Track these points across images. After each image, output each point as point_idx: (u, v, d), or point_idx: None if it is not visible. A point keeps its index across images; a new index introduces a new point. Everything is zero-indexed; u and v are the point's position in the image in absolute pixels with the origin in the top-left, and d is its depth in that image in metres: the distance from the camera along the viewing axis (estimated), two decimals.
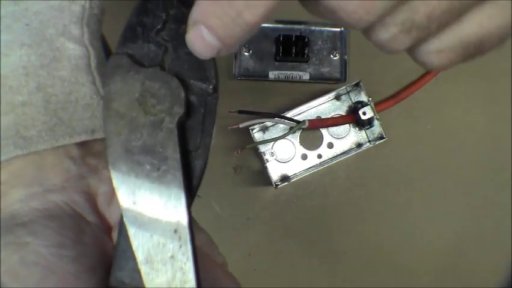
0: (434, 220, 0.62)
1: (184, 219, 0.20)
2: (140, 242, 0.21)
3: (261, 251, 0.61)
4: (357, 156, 0.59)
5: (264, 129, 0.60)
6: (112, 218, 0.26)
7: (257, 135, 0.59)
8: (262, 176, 0.61)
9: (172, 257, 0.20)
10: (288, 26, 0.60)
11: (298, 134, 0.60)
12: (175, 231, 0.20)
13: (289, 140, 0.60)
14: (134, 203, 0.21)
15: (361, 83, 0.58)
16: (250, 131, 0.58)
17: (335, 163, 0.60)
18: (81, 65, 0.27)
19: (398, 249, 0.61)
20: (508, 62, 0.62)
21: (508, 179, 0.62)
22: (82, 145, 0.27)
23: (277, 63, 0.60)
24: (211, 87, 0.21)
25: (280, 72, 0.60)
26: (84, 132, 0.26)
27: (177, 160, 0.20)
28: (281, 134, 0.58)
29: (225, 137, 0.59)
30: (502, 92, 0.63)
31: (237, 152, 0.57)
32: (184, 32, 0.20)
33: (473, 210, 0.62)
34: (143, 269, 0.21)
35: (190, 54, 0.20)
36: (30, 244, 0.22)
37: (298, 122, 0.56)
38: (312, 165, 0.60)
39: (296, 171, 0.60)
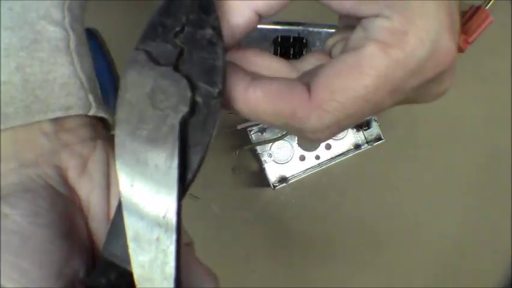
0: (434, 221, 0.62)
1: (173, 208, 0.22)
2: (131, 221, 0.23)
3: (260, 252, 0.61)
4: (355, 158, 0.59)
5: (262, 130, 0.59)
6: (82, 191, 0.28)
7: (255, 137, 0.59)
8: (260, 177, 0.60)
9: (157, 239, 0.22)
10: (286, 27, 0.60)
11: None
12: (164, 217, 0.22)
13: (287, 142, 0.60)
14: (131, 186, 0.23)
15: None
16: (248, 132, 0.58)
17: (333, 164, 0.60)
18: (60, 47, 0.29)
19: (398, 249, 0.61)
20: (508, 63, 0.62)
21: (508, 179, 0.62)
22: (56, 121, 0.28)
23: None
24: (216, 90, 0.23)
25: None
26: (59, 109, 0.28)
27: (175, 152, 0.22)
28: (279, 135, 0.58)
29: (223, 139, 0.59)
30: (502, 92, 0.62)
31: (235, 154, 0.57)
32: (201, 37, 0.23)
33: (473, 210, 0.62)
34: (131, 245, 0.23)
35: (202, 58, 0.23)
36: (9, 215, 0.25)
37: None
38: (310, 166, 0.60)
39: (294, 172, 0.59)
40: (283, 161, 0.59)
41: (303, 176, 0.59)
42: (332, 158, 0.60)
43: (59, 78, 0.29)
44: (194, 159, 0.23)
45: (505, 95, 0.62)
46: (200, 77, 0.23)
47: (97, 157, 0.28)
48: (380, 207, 0.62)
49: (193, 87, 0.23)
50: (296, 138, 0.60)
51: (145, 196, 0.23)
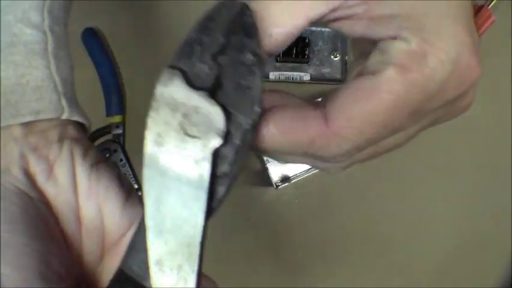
0: (435, 220, 0.62)
1: (198, 237, 0.22)
2: (155, 245, 0.23)
3: (262, 252, 0.61)
4: None
5: None
6: (49, 195, 0.28)
7: None
8: (262, 176, 0.60)
9: (179, 266, 0.22)
10: None
11: None
12: (188, 244, 0.22)
13: None
14: (158, 211, 0.23)
15: None
16: None
17: None
18: (37, 50, 0.29)
19: (399, 249, 0.61)
20: (508, 64, 0.62)
21: (509, 179, 0.62)
22: (26, 124, 0.28)
23: (277, 64, 0.60)
24: (251, 123, 0.22)
25: (280, 73, 0.60)
26: (29, 114, 0.28)
27: (205, 183, 0.22)
28: None
29: None
30: (502, 93, 0.63)
31: None
32: (239, 62, 0.22)
33: (474, 210, 0.62)
34: (153, 268, 0.23)
35: (239, 86, 0.22)
36: None
37: None
38: None
39: (297, 171, 0.59)
40: None
41: (306, 175, 0.59)
42: None
43: (32, 81, 0.29)
44: (220, 190, 0.22)
45: (505, 96, 0.63)
46: (235, 107, 0.22)
47: (62, 160, 0.28)
48: (382, 207, 0.62)
49: (228, 116, 0.22)
50: None
51: (171, 222, 0.22)
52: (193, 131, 0.22)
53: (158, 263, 0.23)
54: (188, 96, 0.22)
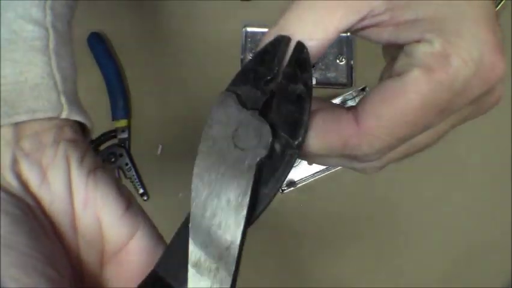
0: (440, 224, 0.62)
1: (237, 242, 0.23)
2: (195, 248, 0.24)
3: (268, 256, 0.61)
4: None
5: None
6: (44, 200, 0.27)
7: None
8: None
9: (217, 268, 0.24)
10: None
11: None
12: (227, 248, 0.24)
13: None
14: (202, 216, 0.24)
15: (367, 88, 0.58)
16: None
17: (341, 168, 0.59)
18: (37, 46, 0.28)
19: (407, 252, 0.61)
20: (508, 64, 0.62)
21: (509, 182, 0.62)
22: (18, 127, 0.27)
23: None
24: (296, 143, 0.24)
25: None
26: (25, 113, 0.27)
27: (248, 191, 0.23)
28: None
29: None
30: (506, 96, 0.62)
31: None
32: (292, 91, 0.24)
33: (480, 213, 0.62)
34: (191, 269, 0.24)
35: (289, 111, 0.24)
36: None
37: None
38: (318, 170, 0.60)
39: (302, 176, 0.59)
40: None
41: (311, 180, 0.59)
42: None
43: (31, 79, 0.28)
44: (261, 200, 0.24)
45: (507, 98, 0.62)
46: (283, 128, 0.24)
47: (57, 165, 0.27)
48: (388, 211, 0.62)
49: (275, 135, 0.24)
50: None
51: (213, 227, 0.24)
52: (242, 143, 0.24)
53: (196, 265, 0.24)
54: (240, 113, 0.24)
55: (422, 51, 0.22)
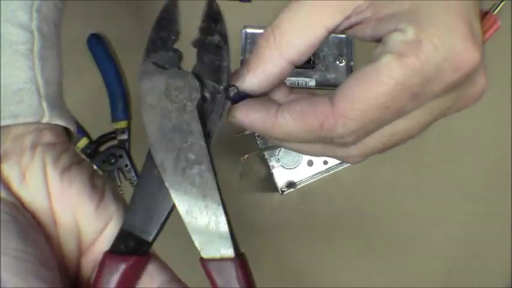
0: (439, 225, 0.62)
1: (210, 174, 0.26)
2: (180, 198, 0.26)
3: (267, 257, 0.61)
4: (363, 163, 0.59)
5: None
6: (25, 199, 0.28)
7: (263, 142, 0.59)
8: (268, 182, 0.60)
9: (205, 206, 0.26)
10: None
11: None
12: (205, 183, 0.26)
13: None
14: (162, 142, 0.26)
15: None
16: (256, 137, 0.58)
17: (341, 169, 0.59)
18: (21, 50, 0.29)
19: (407, 253, 0.61)
20: (508, 64, 0.62)
21: (508, 182, 0.62)
22: (3, 130, 0.28)
23: None
24: (221, 87, 0.27)
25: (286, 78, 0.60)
26: (8, 117, 0.28)
27: (200, 132, 0.26)
28: None
29: (230, 144, 0.59)
30: (503, 96, 0.62)
31: (243, 159, 0.57)
32: (209, 43, 0.27)
33: (479, 213, 0.62)
34: (185, 219, 0.26)
35: (210, 60, 0.27)
36: None
37: None
38: (318, 171, 0.60)
39: (302, 177, 0.59)
40: (291, 166, 0.59)
41: (311, 181, 0.59)
42: (340, 163, 0.59)
43: (14, 84, 0.28)
44: (210, 130, 0.27)
45: (506, 98, 0.62)
46: (208, 76, 0.27)
47: (34, 167, 0.28)
48: (388, 213, 0.62)
49: (202, 84, 0.27)
50: None
51: (185, 170, 0.26)
52: (176, 98, 0.27)
53: (188, 211, 0.26)
54: (162, 75, 0.27)
55: (395, 38, 0.23)
